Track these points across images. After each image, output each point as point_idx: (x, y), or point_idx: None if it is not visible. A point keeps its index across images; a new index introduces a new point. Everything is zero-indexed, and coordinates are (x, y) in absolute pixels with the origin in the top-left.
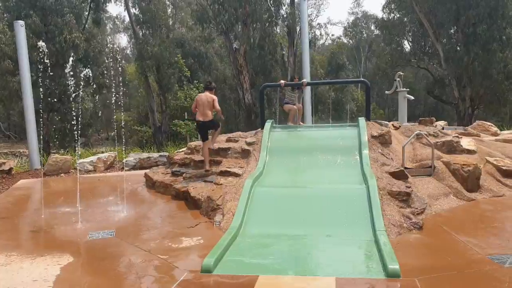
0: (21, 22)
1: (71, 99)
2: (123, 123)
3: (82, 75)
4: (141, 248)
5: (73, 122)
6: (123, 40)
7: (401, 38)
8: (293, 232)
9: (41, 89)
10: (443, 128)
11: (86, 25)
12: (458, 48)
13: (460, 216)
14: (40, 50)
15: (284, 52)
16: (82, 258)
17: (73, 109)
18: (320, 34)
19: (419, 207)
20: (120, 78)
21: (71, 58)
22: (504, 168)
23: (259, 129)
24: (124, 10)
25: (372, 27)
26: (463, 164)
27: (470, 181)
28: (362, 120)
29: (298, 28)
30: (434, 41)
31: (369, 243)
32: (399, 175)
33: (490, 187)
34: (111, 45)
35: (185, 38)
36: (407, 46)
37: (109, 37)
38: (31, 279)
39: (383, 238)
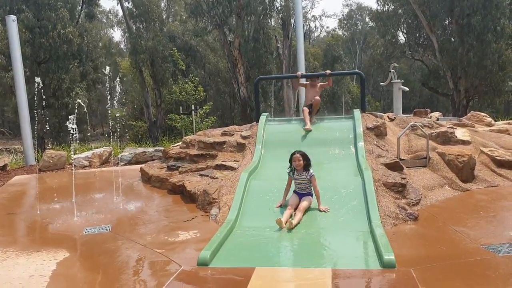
0: (13, 17)
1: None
2: (117, 116)
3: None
4: (137, 243)
5: (69, 117)
6: (116, 34)
7: (396, 30)
8: None
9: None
10: (437, 119)
11: (80, 20)
12: (453, 39)
13: (455, 207)
14: (37, 85)
15: (279, 45)
16: (78, 253)
17: (68, 104)
18: (315, 27)
19: (414, 198)
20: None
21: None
22: (498, 158)
23: (254, 122)
24: (117, 4)
25: (367, 19)
26: (458, 155)
27: (464, 171)
28: (357, 112)
29: (292, 21)
30: (428, 32)
31: (364, 234)
32: (394, 166)
33: (484, 177)
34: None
35: (176, 32)
36: (401, 37)
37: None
38: (28, 275)
39: (379, 229)
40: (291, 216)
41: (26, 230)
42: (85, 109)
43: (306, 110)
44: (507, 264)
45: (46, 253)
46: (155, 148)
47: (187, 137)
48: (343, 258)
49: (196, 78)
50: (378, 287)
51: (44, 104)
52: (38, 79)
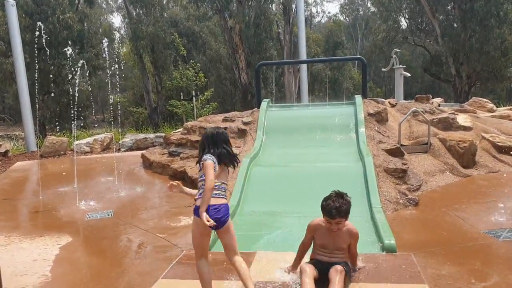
0: (12, 2)
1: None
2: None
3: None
4: (139, 228)
5: (70, 102)
6: (116, 20)
7: (398, 15)
8: (290, 210)
9: (36, 69)
10: (439, 105)
11: (79, 5)
12: (455, 25)
13: (455, 192)
14: (37, 31)
15: (280, 30)
16: (81, 238)
17: (70, 91)
18: (316, 12)
19: (415, 183)
20: (117, 61)
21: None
22: (499, 144)
23: (256, 108)
24: None
25: (369, 4)
26: (459, 141)
27: (465, 157)
28: (358, 98)
29: (294, 6)
30: (430, 17)
31: (365, 220)
32: (395, 152)
33: (485, 163)
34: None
35: (178, 17)
36: (403, 23)
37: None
38: (31, 259)
39: (379, 214)
40: None
41: (29, 216)
42: (85, 94)
43: (308, 271)
44: (507, 248)
45: (49, 238)
46: (156, 134)
47: (188, 123)
48: None
49: (198, 64)
50: (378, 272)
51: (47, 89)
52: (39, 23)
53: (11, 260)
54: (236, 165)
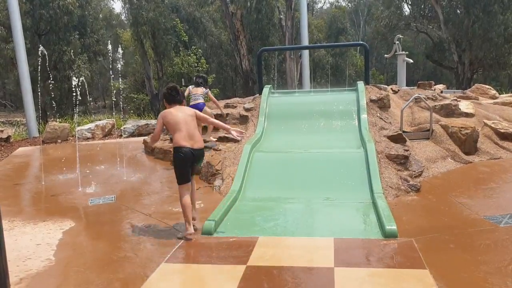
0: None
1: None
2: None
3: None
4: (141, 213)
5: (74, 84)
6: (117, 5)
7: (400, 1)
8: (292, 195)
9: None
10: (441, 92)
11: None
12: (458, 11)
13: (457, 179)
14: (40, 54)
15: (281, 16)
16: (83, 223)
17: (70, 77)
18: None
19: (417, 170)
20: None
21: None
22: (501, 130)
23: (257, 94)
24: None
25: None
26: (461, 127)
27: (467, 144)
28: (361, 84)
29: None
30: (433, 3)
31: (367, 205)
32: (397, 138)
33: (487, 149)
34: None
35: (179, 3)
36: (406, 9)
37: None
38: (35, 243)
39: (381, 200)
40: None
41: (32, 201)
42: (85, 81)
43: None
44: (508, 234)
45: (52, 222)
46: None
47: None
48: (345, 228)
49: (199, 50)
50: (379, 257)
51: (48, 75)
52: (41, 48)
53: (15, 244)
54: (199, 84)
